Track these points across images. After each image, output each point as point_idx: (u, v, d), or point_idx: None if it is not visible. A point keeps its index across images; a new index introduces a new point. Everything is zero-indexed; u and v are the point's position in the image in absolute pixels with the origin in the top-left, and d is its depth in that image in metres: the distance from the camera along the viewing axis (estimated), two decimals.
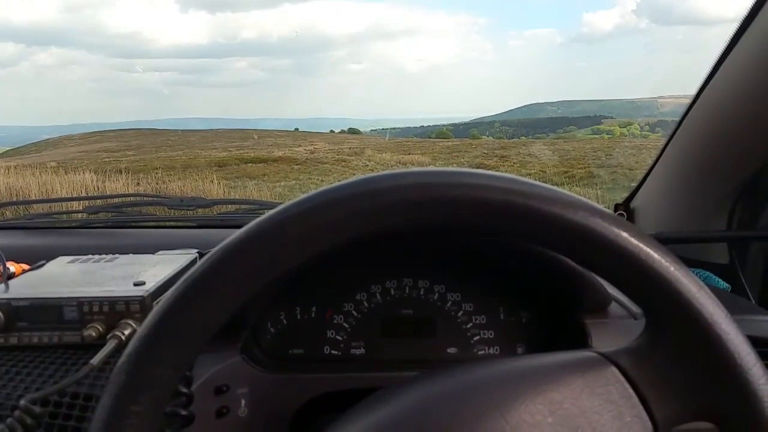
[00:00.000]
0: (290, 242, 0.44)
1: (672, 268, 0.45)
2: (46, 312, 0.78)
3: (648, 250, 0.45)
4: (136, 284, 0.82)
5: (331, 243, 0.44)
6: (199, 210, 1.37)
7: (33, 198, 8.36)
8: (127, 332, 0.76)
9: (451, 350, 0.92)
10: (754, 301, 1.08)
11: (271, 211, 0.45)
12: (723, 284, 1.10)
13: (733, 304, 0.77)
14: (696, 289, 0.45)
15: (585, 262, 0.48)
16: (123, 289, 0.81)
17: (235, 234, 0.45)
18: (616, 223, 0.45)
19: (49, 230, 1.31)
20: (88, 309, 0.78)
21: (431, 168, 0.47)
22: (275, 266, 0.44)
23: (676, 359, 0.47)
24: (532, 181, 0.46)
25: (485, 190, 0.45)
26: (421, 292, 0.94)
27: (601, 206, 0.46)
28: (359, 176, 0.46)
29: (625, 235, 0.45)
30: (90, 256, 0.99)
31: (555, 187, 0.46)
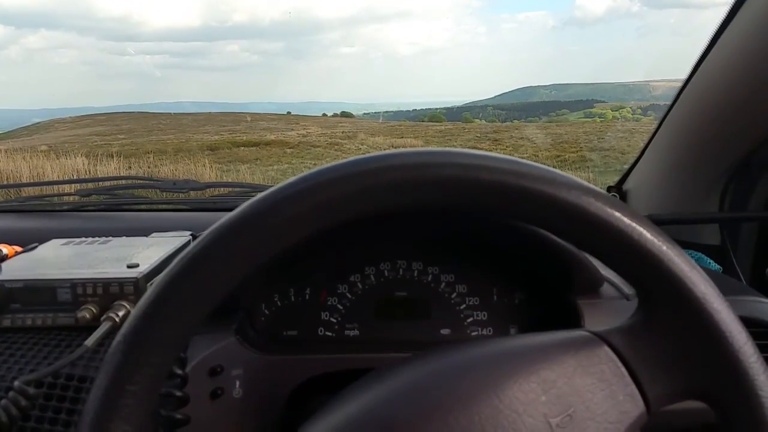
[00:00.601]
0: (283, 223, 0.44)
1: (664, 248, 0.45)
2: (39, 294, 0.78)
3: (641, 229, 0.45)
4: (129, 266, 0.82)
5: (325, 224, 0.44)
6: (192, 193, 1.36)
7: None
8: (121, 314, 0.76)
9: (445, 331, 0.93)
10: (745, 282, 1.09)
11: (265, 192, 0.45)
12: (714, 266, 1.10)
13: (725, 284, 0.78)
14: (688, 269, 0.46)
15: (578, 241, 0.48)
16: (117, 270, 0.81)
17: (229, 215, 0.45)
18: (610, 203, 0.45)
19: (41, 213, 1.30)
20: (81, 291, 0.78)
21: (425, 148, 0.47)
22: (268, 247, 0.44)
23: (668, 338, 0.47)
24: (525, 161, 0.46)
25: (479, 170, 0.45)
26: (415, 274, 0.94)
27: (594, 186, 0.47)
28: (353, 157, 0.46)
29: (618, 214, 0.45)
30: (83, 239, 0.99)
31: (548, 167, 0.46)
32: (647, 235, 0.45)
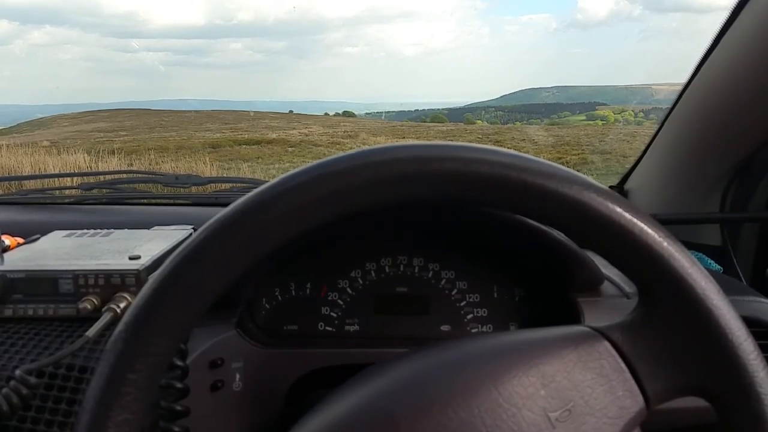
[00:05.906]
0: (284, 215, 0.44)
1: (665, 244, 0.45)
2: (41, 284, 0.78)
3: (642, 225, 0.45)
4: (131, 258, 0.82)
5: (326, 216, 0.45)
6: (194, 188, 1.36)
7: None
8: (122, 305, 0.76)
9: (445, 328, 0.93)
10: (745, 283, 1.09)
11: (266, 184, 0.45)
12: (715, 266, 1.10)
13: (725, 285, 0.78)
14: (689, 265, 0.46)
15: (579, 236, 0.48)
16: (118, 262, 0.81)
17: (231, 206, 0.45)
18: (611, 198, 0.45)
19: (43, 206, 1.30)
20: (83, 282, 0.78)
21: (427, 142, 0.47)
22: (270, 239, 0.44)
23: (668, 334, 0.47)
24: (528, 155, 0.46)
25: (481, 164, 0.45)
26: (416, 270, 0.94)
27: (596, 182, 0.47)
28: (354, 150, 0.46)
29: (619, 210, 0.45)
30: (85, 231, 0.99)
31: (551, 162, 0.47)
32: (649, 230, 0.45)
